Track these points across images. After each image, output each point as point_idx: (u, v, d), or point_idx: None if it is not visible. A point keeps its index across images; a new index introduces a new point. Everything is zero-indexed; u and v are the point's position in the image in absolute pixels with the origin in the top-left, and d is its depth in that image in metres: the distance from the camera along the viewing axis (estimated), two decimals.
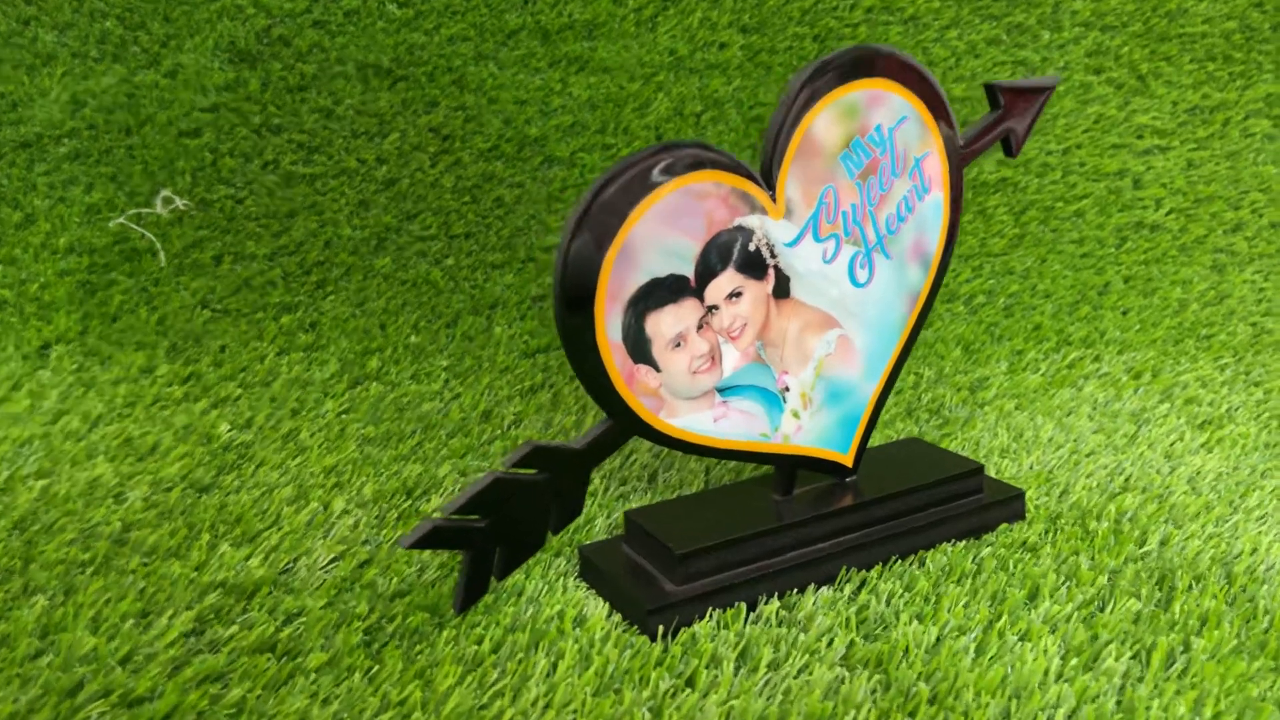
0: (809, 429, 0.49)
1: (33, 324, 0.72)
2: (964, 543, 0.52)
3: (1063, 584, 0.48)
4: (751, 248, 0.45)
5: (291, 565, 0.49)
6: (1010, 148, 0.53)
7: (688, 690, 0.40)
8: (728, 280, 0.45)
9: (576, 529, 0.53)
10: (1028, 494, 0.57)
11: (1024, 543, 0.52)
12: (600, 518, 0.54)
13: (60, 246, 0.76)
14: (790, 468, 0.50)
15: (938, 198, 0.50)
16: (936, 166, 0.50)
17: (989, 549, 0.51)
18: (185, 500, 0.55)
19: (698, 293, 0.44)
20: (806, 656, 0.42)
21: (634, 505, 0.56)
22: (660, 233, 0.43)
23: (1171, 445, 0.63)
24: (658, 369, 0.44)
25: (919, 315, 0.52)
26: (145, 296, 0.75)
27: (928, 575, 0.48)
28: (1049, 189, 0.83)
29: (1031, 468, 0.60)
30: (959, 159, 0.50)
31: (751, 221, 0.45)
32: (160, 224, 0.78)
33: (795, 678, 0.41)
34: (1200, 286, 0.79)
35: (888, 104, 0.47)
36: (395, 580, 0.48)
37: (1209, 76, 0.86)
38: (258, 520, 0.52)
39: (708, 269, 0.44)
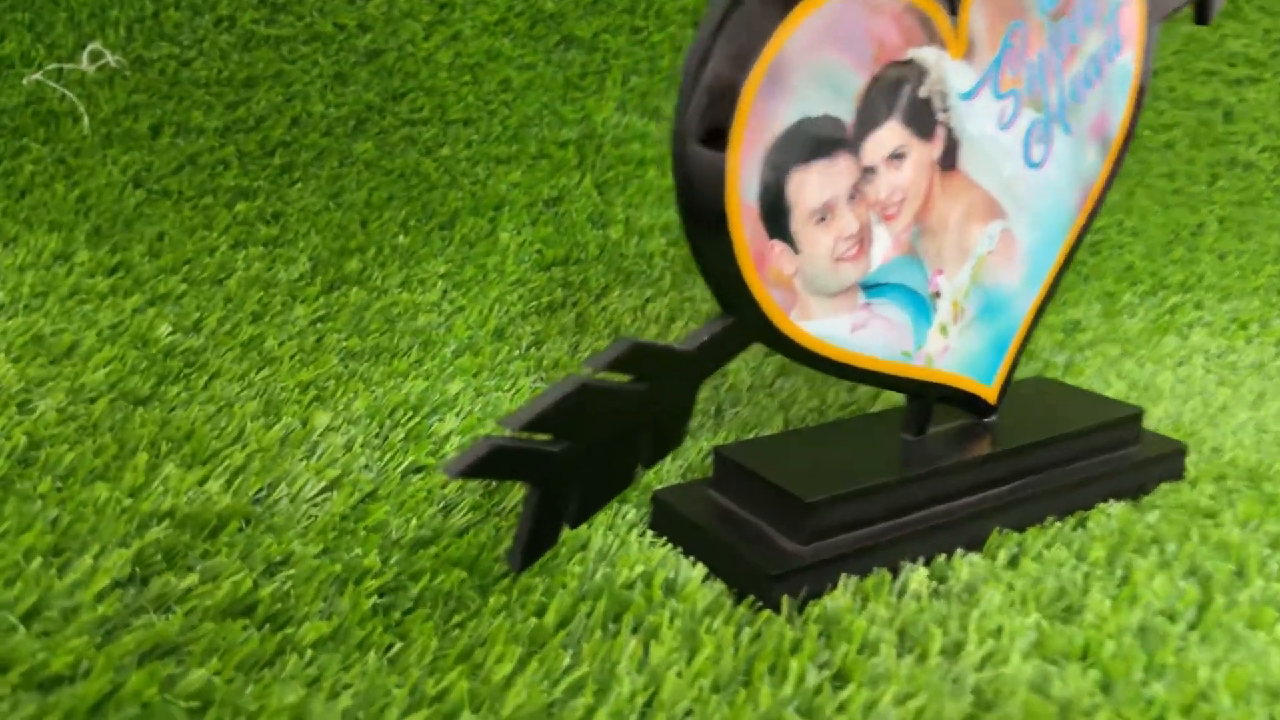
0: (956, 350, 0.38)
1: None
2: (1124, 503, 0.41)
3: (1270, 556, 0.37)
4: (923, 94, 0.34)
5: (265, 493, 0.36)
6: (1205, 11, 0.42)
7: (843, 686, 0.29)
8: (891, 134, 0.33)
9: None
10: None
11: (1198, 506, 0.41)
12: (665, 459, 0.42)
13: None
14: (930, 399, 0.39)
15: (1129, 61, 0.39)
16: (1133, 19, 0.39)
17: (1157, 512, 0.40)
18: (115, 413, 0.41)
19: (854, 147, 0.33)
20: (990, 641, 0.31)
21: (701, 445, 0.44)
22: (820, 52, 0.31)
23: None
24: (796, 249, 0.32)
25: (1089, 214, 0.41)
26: (63, 169, 0.60)
27: (1102, 542, 0.38)
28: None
29: (1164, 420, 0.50)
30: (1159, 12, 0.39)
31: (928, 56, 0.33)
32: (85, 83, 0.63)
33: (980, 670, 0.30)
34: None
35: None
36: (414, 523, 0.35)
37: None
38: (214, 439, 0.39)
39: (870, 114, 0.33)
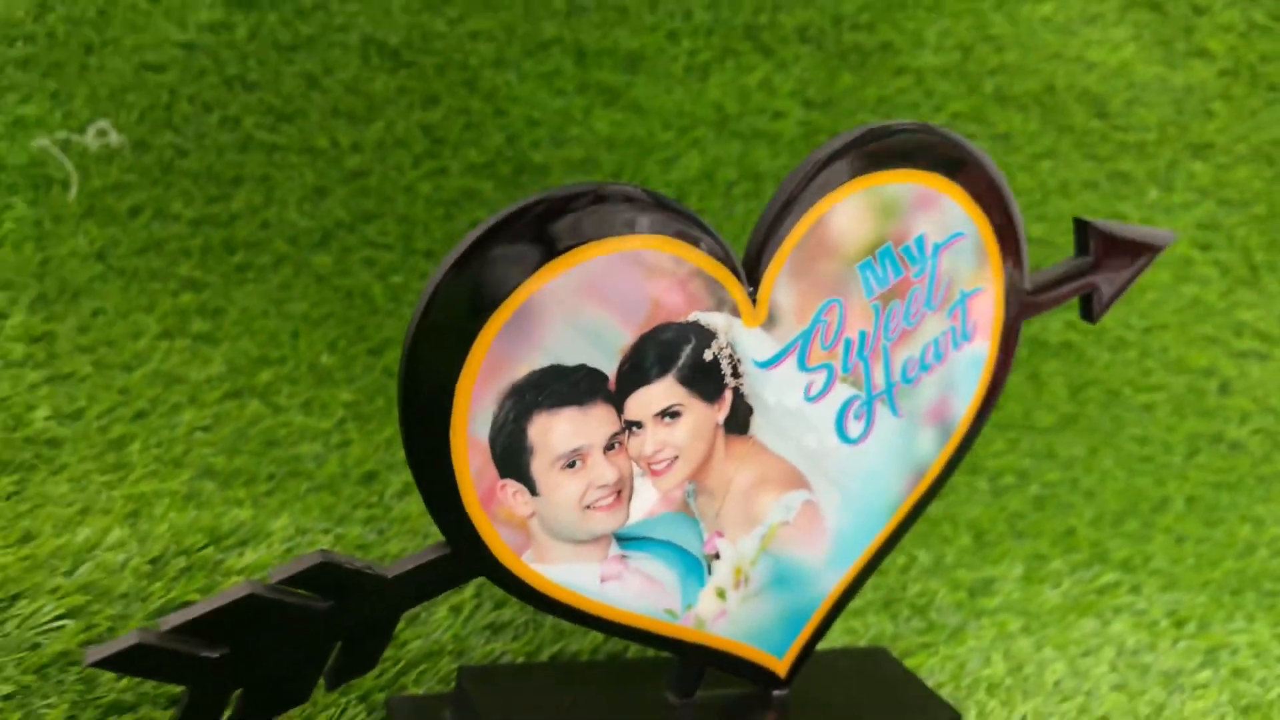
0: (736, 618, 0.36)
1: None
2: None
3: None
4: (707, 356, 0.32)
5: (3, 606, 0.36)
6: (1091, 310, 0.40)
7: None
8: (664, 392, 0.32)
9: (414, 659, 0.40)
10: None
11: None
12: (450, 647, 0.41)
13: None
14: (699, 663, 0.36)
15: (981, 351, 0.37)
16: (988, 310, 0.37)
17: None
18: None
19: (616, 400, 0.31)
20: None
21: (502, 649, 0.42)
22: (579, 304, 0.30)
23: None
24: (534, 491, 0.31)
25: (921, 498, 0.38)
26: (36, 231, 0.63)
27: None
28: (1119, 369, 0.70)
29: (1025, 719, 0.46)
30: (1021, 307, 0.37)
31: (716, 321, 0.32)
32: (85, 156, 0.67)
33: None
34: (1276, 530, 0.65)
35: (941, 211, 0.35)
36: (125, 680, 0.34)
37: None
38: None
39: (638, 371, 0.31)
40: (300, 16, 0.72)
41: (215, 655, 0.29)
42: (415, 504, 0.51)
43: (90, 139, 0.67)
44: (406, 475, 0.54)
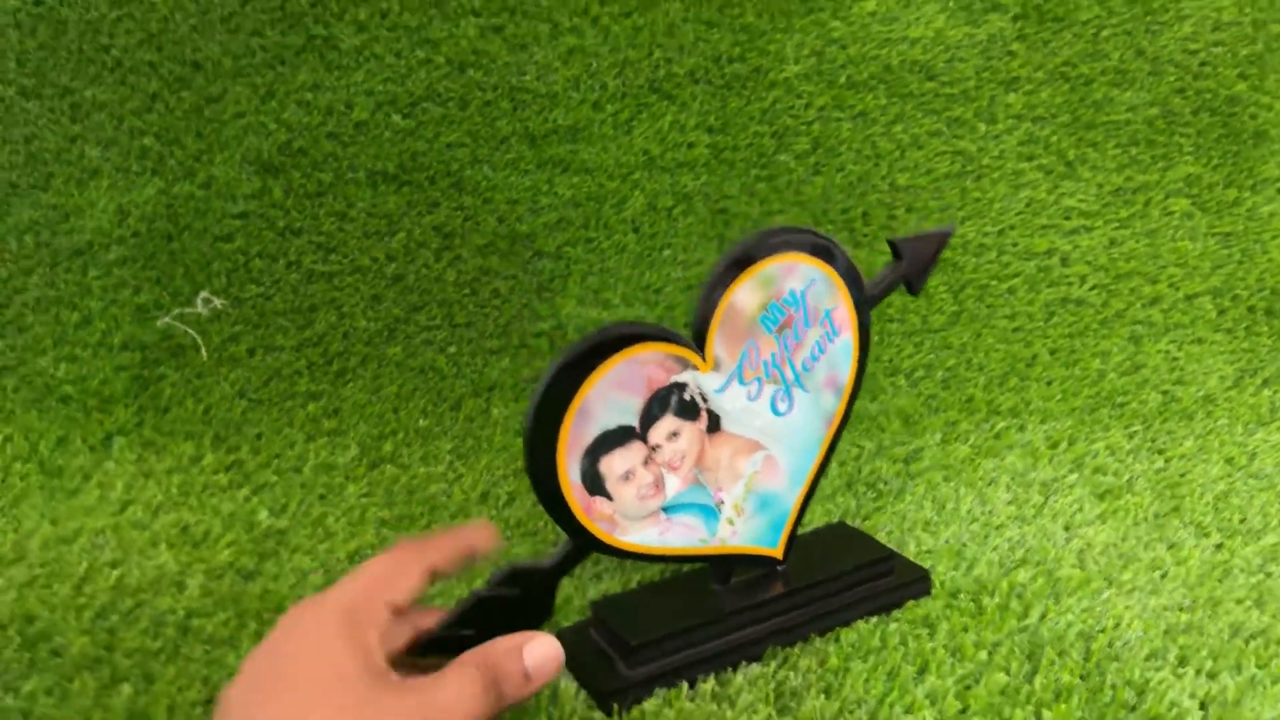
0: (742, 532, 0.60)
1: (95, 417, 0.84)
2: (875, 619, 0.62)
3: (949, 659, 0.58)
4: (686, 397, 0.56)
5: None
6: (912, 285, 0.63)
7: None
8: (668, 424, 0.56)
9: (558, 609, 0.64)
10: (939, 568, 0.67)
11: (925, 618, 0.62)
12: (577, 597, 0.66)
13: (115, 344, 0.88)
14: (727, 564, 0.61)
15: (847, 339, 0.60)
16: (844, 315, 0.60)
17: (895, 625, 0.62)
18: (235, 588, 0.66)
19: (642, 436, 0.55)
20: None
21: (606, 586, 0.67)
22: (609, 392, 0.53)
23: (1072, 516, 0.73)
24: (610, 499, 0.55)
25: (835, 431, 0.62)
26: (191, 389, 0.86)
27: (840, 652, 0.59)
28: (985, 268, 0.93)
29: (947, 541, 0.71)
30: (864, 307, 0.61)
31: (685, 378, 0.56)
32: (200, 321, 0.89)
33: None
34: (1118, 358, 0.89)
35: (798, 272, 0.58)
36: None
37: (1132, 160, 0.95)
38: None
39: (650, 417, 0.55)
40: (317, 168, 0.93)
41: (470, 633, 0.53)
42: (520, 510, 0.76)
43: (199, 307, 0.90)
44: (509, 489, 0.78)
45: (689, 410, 0.56)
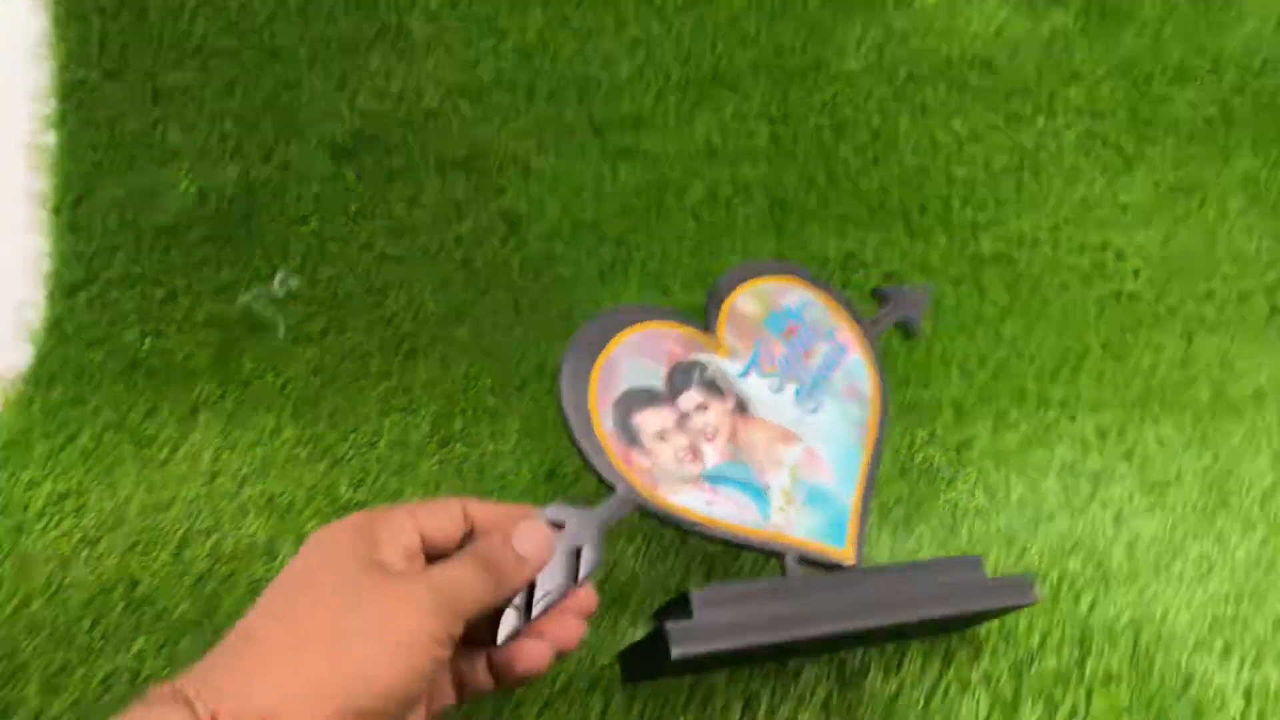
0: (798, 522, 0.63)
1: (180, 390, 0.89)
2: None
3: (1002, 643, 0.61)
4: (709, 375, 0.59)
5: None
6: (909, 333, 0.66)
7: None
8: (695, 395, 0.58)
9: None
10: (991, 556, 0.70)
11: None
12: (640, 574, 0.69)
13: (199, 320, 0.92)
14: (795, 560, 0.64)
15: (858, 359, 0.63)
16: (851, 338, 0.63)
17: None
18: None
19: (670, 402, 0.58)
20: (795, 703, 0.56)
21: (661, 569, 0.70)
22: (632, 357, 0.56)
23: (1121, 507, 0.75)
24: (648, 453, 0.58)
25: (875, 439, 0.64)
26: (270, 364, 0.90)
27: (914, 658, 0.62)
28: (1038, 262, 0.94)
29: (999, 530, 0.73)
30: (869, 333, 0.63)
31: (703, 357, 0.59)
32: (278, 300, 0.93)
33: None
34: (1170, 352, 0.90)
35: (790, 293, 0.61)
36: None
37: (1189, 157, 0.96)
38: None
39: (675, 386, 0.58)
40: (388, 153, 0.96)
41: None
42: (585, 488, 0.79)
43: (276, 287, 0.94)
44: (574, 466, 0.81)
45: (713, 388, 0.59)
